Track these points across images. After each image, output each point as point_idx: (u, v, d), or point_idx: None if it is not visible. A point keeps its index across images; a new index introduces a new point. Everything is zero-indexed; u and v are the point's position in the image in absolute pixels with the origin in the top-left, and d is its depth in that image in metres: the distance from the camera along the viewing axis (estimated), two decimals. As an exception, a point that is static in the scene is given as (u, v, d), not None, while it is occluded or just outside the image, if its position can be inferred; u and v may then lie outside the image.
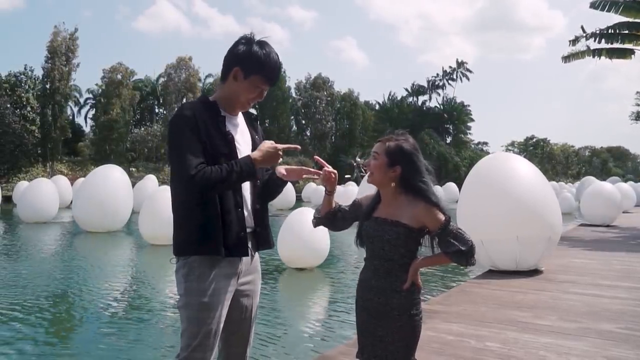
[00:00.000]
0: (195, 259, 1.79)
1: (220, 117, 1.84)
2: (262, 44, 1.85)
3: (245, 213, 1.86)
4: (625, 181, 32.81)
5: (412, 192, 1.84)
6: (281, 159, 1.86)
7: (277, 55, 1.88)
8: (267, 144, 1.83)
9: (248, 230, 1.88)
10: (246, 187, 1.90)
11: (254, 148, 1.95)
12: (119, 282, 7.42)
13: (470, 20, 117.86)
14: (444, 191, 31.74)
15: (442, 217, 1.81)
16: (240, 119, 1.97)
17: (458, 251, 1.78)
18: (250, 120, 2.02)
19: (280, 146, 1.82)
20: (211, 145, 1.77)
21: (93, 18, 80.00)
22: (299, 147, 1.91)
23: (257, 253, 2.01)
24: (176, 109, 1.99)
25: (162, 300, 6.16)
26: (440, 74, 60.64)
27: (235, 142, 1.86)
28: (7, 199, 23.61)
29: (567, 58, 14.99)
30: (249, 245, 1.89)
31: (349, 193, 16.75)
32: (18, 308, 5.61)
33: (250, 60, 1.82)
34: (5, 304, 5.79)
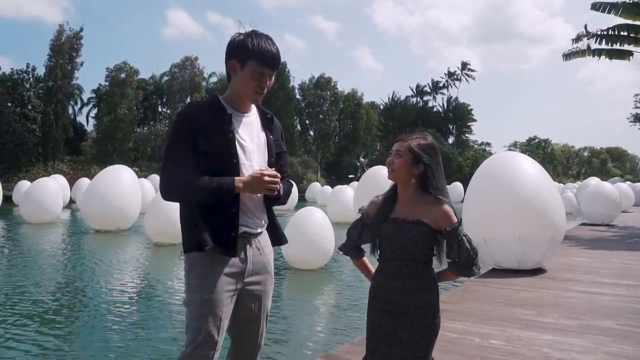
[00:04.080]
0: (194, 255, 1.81)
1: (226, 115, 1.84)
2: (249, 32, 1.86)
3: (242, 213, 1.86)
4: (625, 181, 32.96)
5: (431, 192, 1.86)
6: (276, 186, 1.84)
7: (270, 40, 1.86)
8: (255, 170, 1.84)
9: (248, 230, 1.89)
10: None
11: (269, 149, 1.96)
12: (123, 280, 7.48)
13: (474, 32, 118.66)
14: (450, 191, 31.65)
15: (455, 218, 1.86)
16: (253, 117, 1.96)
17: (460, 261, 1.83)
18: (265, 121, 2.00)
19: (266, 172, 1.82)
20: (209, 144, 1.78)
21: (101, 18, 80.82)
22: (279, 186, 1.87)
23: (270, 254, 2.01)
24: (180, 107, 2.01)
25: (166, 298, 6.23)
26: (445, 75, 60.86)
27: (239, 140, 1.85)
28: (7, 199, 23.51)
29: (567, 56, 15.05)
30: (248, 245, 1.89)
31: (349, 193, 16.80)
32: (28, 304, 5.70)
33: (241, 49, 1.83)
34: (16, 300, 5.88)
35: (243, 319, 1.93)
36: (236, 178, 1.80)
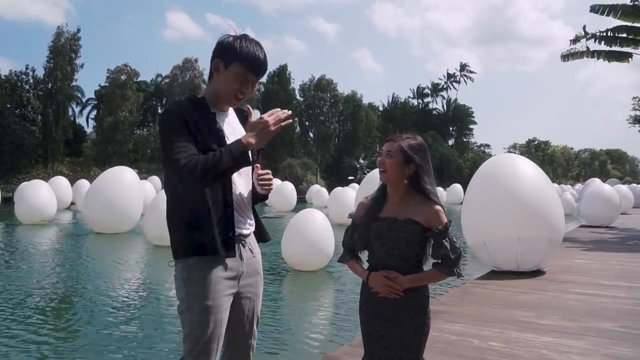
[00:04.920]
0: (193, 260, 1.77)
1: (210, 113, 1.81)
2: (240, 35, 1.84)
3: (237, 214, 1.84)
4: (624, 183, 32.97)
5: (421, 192, 1.87)
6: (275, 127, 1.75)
7: (259, 46, 1.83)
8: (253, 121, 1.78)
9: (242, 231, 1.88)
10: (239, 186, 1.87)
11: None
12: (123, 283, 7.48)
13: (474, 34, 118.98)
14: (449, 192, 31.75)
15: (445, 219, 1.87)
16: (232, 116, 1.94)
17: (447, 256, 1.82)
18: (242, 117, 1.97)
19: (267, 117, 1.74)
20: (201, 142, 1.74)
21: (101, 19, 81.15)
22: (288, 112, 1.78)
23: (259, 255, 2.00)
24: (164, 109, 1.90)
25: (167, 300, 6.23)
26: (444, 77, 61.08)
27: (226, 139, 1.81)
28: (6, 200, 23.37)
29: (566, 57, 15.00)
30: (242, 247, 1.88)
31: (349, 194, 16.79)
32: (26, 307, 5.69)
33: (228, 49, 1.80)
34: (14, 303, 5.87)
35: (237, 322, 1.91)
36: (242, 137, 1.75)
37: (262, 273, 2.03)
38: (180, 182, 1.70)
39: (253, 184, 1.96)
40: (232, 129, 1.89)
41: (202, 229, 1.75)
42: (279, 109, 1.79)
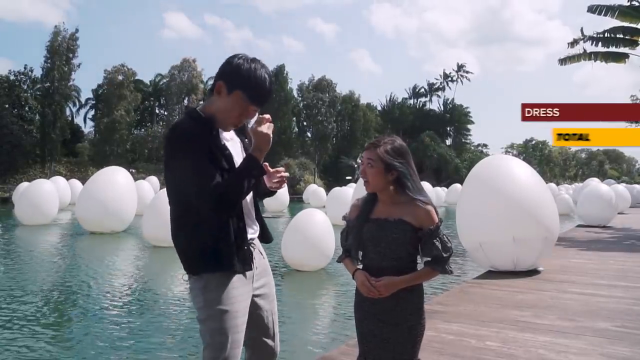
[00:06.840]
0: (210, 275, 1.77)
1: (215, 131, 1.79)
2: (252, 60, 1.78)
3: (246, 223, 1.86)
4: (620, 183, 33.12)
5: (409, 193, 1.86)
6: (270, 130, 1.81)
7: (268, 75, 1.80)
8: (253, 134, 1.79)
9: (251, 235, 1.89)
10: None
11: (245, 153, 1.92)
12: (126, 283, 7.47)
13: (472, 35, 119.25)
14: (450, 192, 31.81)
15: (436, 219, 1.87)
16: (232, 132, 1.94)
17: (439, 256, 1.83)
18: (239, 129, 1.96)
19: (253, 124, 1.79)
20: (214, 161, 1.73)
21: (99, 19, 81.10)
22: (267, 116, 1.83)
23: (266, 256, 2.02)
24: (177, 112, 1.84)
25: (168, 301, 6.22)
26: (440, 77, 61.18)
27: (234, 156, 1.83)
28: (4, 201, 23.21)
29: (563, 61, 15.07)
30: (252, 249, 1.88)
31: (348, 194, 16.80)
32: (23, 309, 5.67)
33: (234, 75, 1.74)
34: (11, 304, 5.85)
35: (257, 325, 1.91)
36: (251, 152, 1.79)
37: (271, 273, 2.05)
38: (208, 209, 1.69)
39: (259, 183, 1.95)
40: (232, 142, 1.89)
41: (223, 245, 1.75)
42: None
